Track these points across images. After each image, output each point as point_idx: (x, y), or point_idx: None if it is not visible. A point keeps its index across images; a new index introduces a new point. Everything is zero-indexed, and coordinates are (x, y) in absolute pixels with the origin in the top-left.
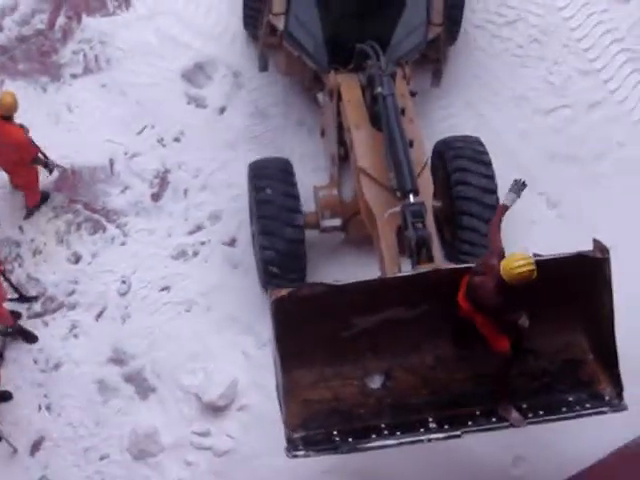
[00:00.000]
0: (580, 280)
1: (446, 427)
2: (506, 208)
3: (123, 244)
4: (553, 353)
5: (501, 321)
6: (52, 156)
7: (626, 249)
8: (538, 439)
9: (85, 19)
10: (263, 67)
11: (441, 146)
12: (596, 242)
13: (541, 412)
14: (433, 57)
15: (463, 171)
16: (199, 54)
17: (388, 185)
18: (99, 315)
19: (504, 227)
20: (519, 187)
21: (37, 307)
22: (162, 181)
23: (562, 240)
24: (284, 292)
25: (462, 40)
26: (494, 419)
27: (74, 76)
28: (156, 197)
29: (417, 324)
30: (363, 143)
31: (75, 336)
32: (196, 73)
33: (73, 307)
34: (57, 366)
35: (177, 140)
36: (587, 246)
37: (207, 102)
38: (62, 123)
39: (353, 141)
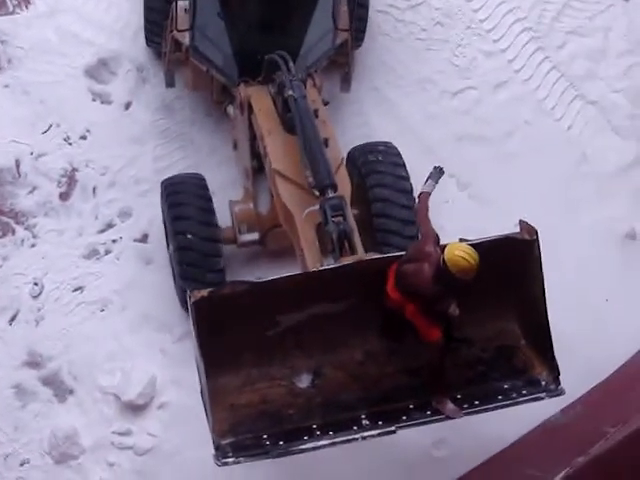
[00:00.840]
0: (509, 264)
1: (380, 423)
2: (428, 194)
3: (33, 246)
4: (486, 341)
5: (433, 310)
6: None
7: (536, 225)
8: (458, 420)
9: None
10: (170, 83)
11: (354, 153)
12: (523, 223)
13: (476, 402)
14: (341, 62)
15: (378, 174)
16: (102, 50)
17: (305, 184)
18: (12, 319)
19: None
20: (437, 174)
21: None
22: (70, 180)
23: (475, 221)
24: (204, 292)
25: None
26: (429, 412)
27: None
28: (65, 196)
29: (344, 318)
30: (277, 147)
31: None
32: (100, 69)
33: None
34: None
35: (83, 138)
36: (500, 225)
37: (112, 98)
38: None
39: (266, 146)
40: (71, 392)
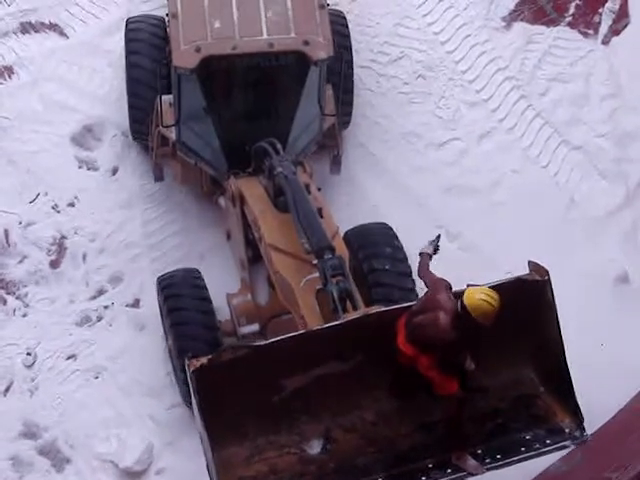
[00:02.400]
0: (521, 307)
1: None
2: (427, 254)
3: (25, 315)
4: (502, 390)
5: (449, 362)
6: None
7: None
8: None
9: None
10: (158, 177)
11: (350, 236)
12: (532, 264)
13: (498, 456)
14: (330, 144)
15: (375, 258)
16: (86, 117)
17: (301, 255)
18: (7, 390)
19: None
20: (437, 240)
21: None
22: (59, 248)
23: (466, 271)
24: (204, 360)
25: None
26: (449, 470)
27: None
28: (55, 264)
29: (352, 378)
30: (270, 224)
31: None
32: (85, 136)
33: None
34: None
35: (71, 205)
36: (492, 275)
37: (98, 164)
38: None
39: (260, 227)
40: (68, 461)
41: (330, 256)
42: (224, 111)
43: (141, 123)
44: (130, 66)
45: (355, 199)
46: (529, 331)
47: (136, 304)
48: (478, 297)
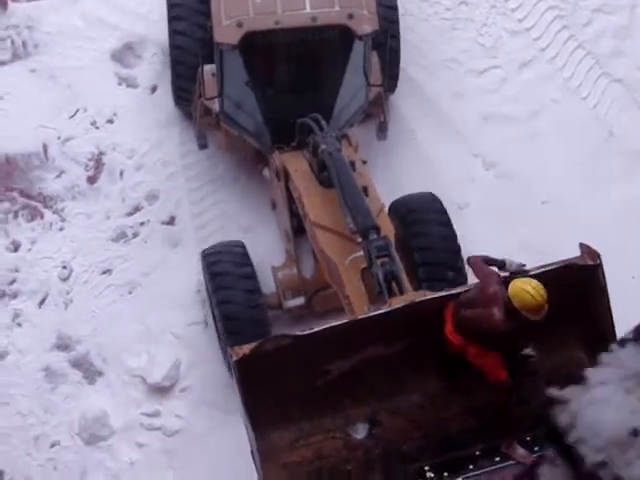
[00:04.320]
0: (572, 292)
1: (445, 475)
2: (498, 264)
3: (62, 229)
4: (553, 371)
5: (503, 351)
6: None
7: (562, 204)
8: None
9: (11, 5)
10: (202, 145)
11: (397, 206)
12: (584, 247)
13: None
14: (376, 112)
15: (423, 235)
16: (127, 34)
17: (346, 233)
18: (42, 302)
19: (447, 184)
20: (519, 269)
21: None
22: (97, 164)
23: (501, 199)
24: (246, 349)
25: None
26: (497, 458)
27: (3, 63)
28: (92, 180)
29: (398, 361)
30: (314, 201)
31: (19, 325)
32: (125, 53)
33: (15, 296)
34: (3, 356)
35: (110, 122)
36: (526, 203)
37: (138, 82)
38: None
39: (304, 204)
40: (100, 374)
41: (375, 236)
42: (267, 85)
43: (184, 90)
44: (173, 33)
45: (393, 123)
46: (581, 315)
47: (171, 221)
48: (522, 287)
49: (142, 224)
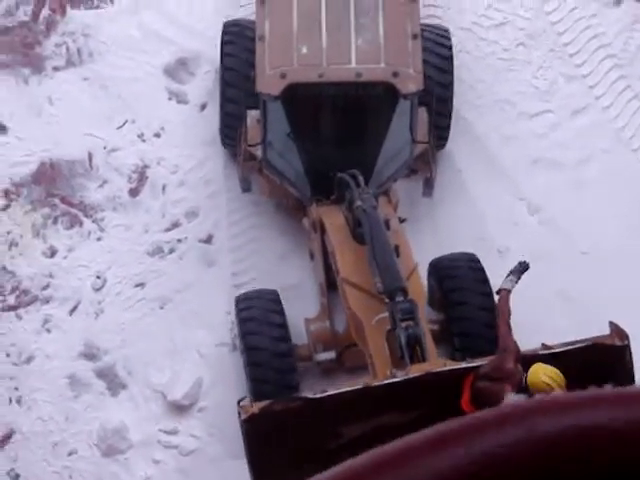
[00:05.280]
0: (598, 372)
1: None
2: (508, 292)
3: (99, 239)
4: None
5: None
6: (31, 148)
7: (600, 255)
8: None
9: (69, 12)
10: (245, 189)
11: (436, 268)
12: (613, 325)
13: None
14: (422, 168)
15: (460, 291)
16: (182, 49)
17: (375, 292)
18: (73, 310)
19: (489, 227)
20: (520, 269)
21: (11, 300)
22: (140, 176)
23: (542, 245)
24: (255, 409)
25: None
26: None
27: (56, 69)
28: (134, 192)
29: (415, 429)
30: (346, 257)
31: (48, 330)
32: (178, 69)
33: (47, 301)
34: (29, 360)
35: (157, 135)
36: (568, 252)
37: (188, 98)
38: (43, 115)
39: (337, 258)
40: (124, 387)
41: (402, 298)
42: (309, 137)
43: (232, 128)
44: (224, 69)
45: (440, 161)
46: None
47: (209, 240)
48: (542, 379)
49: (179, 241)
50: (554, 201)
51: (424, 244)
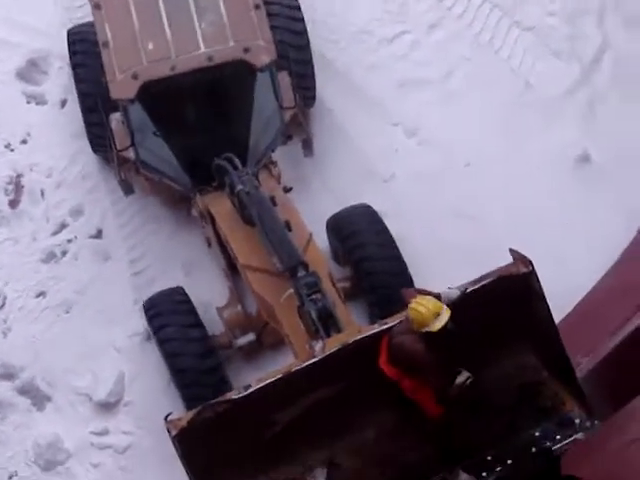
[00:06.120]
0: (509, 300)
1: None
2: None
3: None
4: (506, 380)
5: (438, 385)
6: None
7: (483, 164)
8: None
9: None
10: (128, 191)
11: (333, 223)
12: (514, 253)
13: (509, 461)
14: (297, 131)
15: (362, 247)
16: (30, 50)
17: (275, 271)
18: None
19: (371, 159)
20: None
21: None
22: (17, 187)
23: (426, 166)
24: (183, 422)
25: None
26: None
27: None
28: (14, 204)
29: (346, 399)
30: (241, 242)
31: None
32: (30, 70)
33: None
34: None
35: (24, 142)
36: (449, 167)
37: (47, 98)
38: None
39: (231, 244)
40: (48, 399)
41: (304, 273)
42: (176, 131)
43: (100, 137)
44: (78, 81)
45: (311, 112)
46: (523, 321)
47: (99, 235)
48: (412, 306)
49: (69, 241)
50: (428, 119)
51: (320, 202)
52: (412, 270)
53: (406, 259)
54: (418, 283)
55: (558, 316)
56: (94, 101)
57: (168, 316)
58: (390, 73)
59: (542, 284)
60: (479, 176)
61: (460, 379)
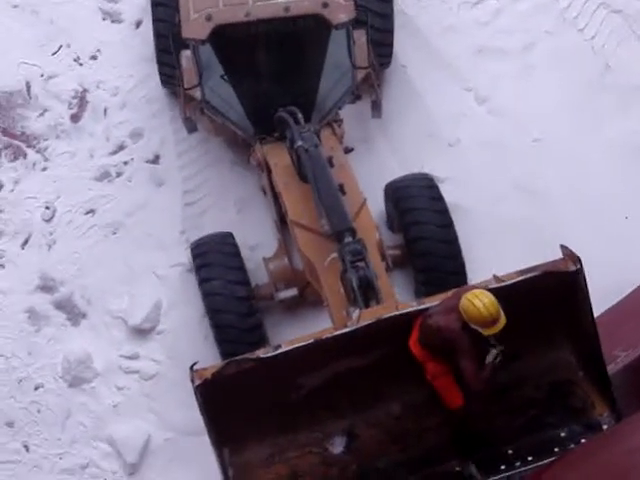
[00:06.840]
0: (553, 296)
1: None
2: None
3: (45, 169)
4: (539, 376)
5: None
6: None
7: (551, 142)
8: None
9: None
10: (191, 129)
11: (389, 189)
12: (565, 249)
13: (529, 457)
14: (368, 91)
15: (414, 210)
16: None
17: (324, 233)
18: (25, 243)
19: (438, 121)
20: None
21: None
22: (81, 101)
23: (492, 134)
24: (208, 374)
25: None
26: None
27: None
28: (76, 118)
29: (375, 371)
30: (294, 198)
31: (2, 266)
32: None
33: None
34: None
35: (94, 58)
36: (517, 139)
37: (123, 17)
38: None
39: (284, 199)
40: (84, 316)
41: (350, 239)
42: (244, 77)
43: (170, 76)
44: (155, 20)
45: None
46: (564, 317)
47: (156, 160)
48: (469, 298)
49: (126, 163)
50: (502, 89)
51: (382, 164)
52: (463, 241)
53: (458, 228)
54: (468, 257)
55: (603, 307)
56: (167, 40)
57: (216, 269)
58: (469, 38)
59: (591, 274)
60: (546, 153)
61: (489, 357)
